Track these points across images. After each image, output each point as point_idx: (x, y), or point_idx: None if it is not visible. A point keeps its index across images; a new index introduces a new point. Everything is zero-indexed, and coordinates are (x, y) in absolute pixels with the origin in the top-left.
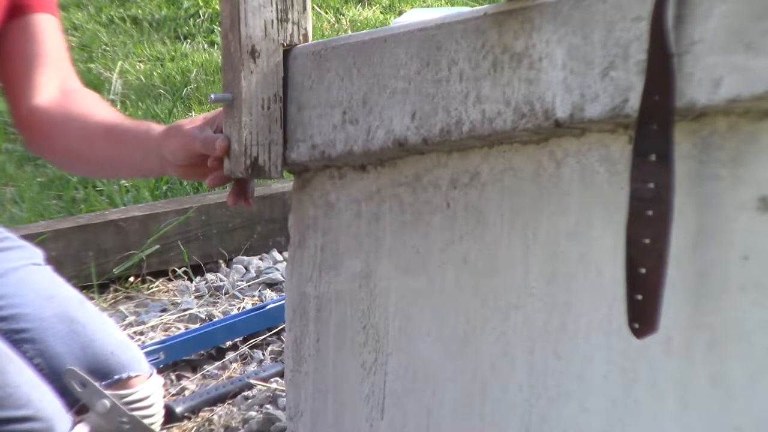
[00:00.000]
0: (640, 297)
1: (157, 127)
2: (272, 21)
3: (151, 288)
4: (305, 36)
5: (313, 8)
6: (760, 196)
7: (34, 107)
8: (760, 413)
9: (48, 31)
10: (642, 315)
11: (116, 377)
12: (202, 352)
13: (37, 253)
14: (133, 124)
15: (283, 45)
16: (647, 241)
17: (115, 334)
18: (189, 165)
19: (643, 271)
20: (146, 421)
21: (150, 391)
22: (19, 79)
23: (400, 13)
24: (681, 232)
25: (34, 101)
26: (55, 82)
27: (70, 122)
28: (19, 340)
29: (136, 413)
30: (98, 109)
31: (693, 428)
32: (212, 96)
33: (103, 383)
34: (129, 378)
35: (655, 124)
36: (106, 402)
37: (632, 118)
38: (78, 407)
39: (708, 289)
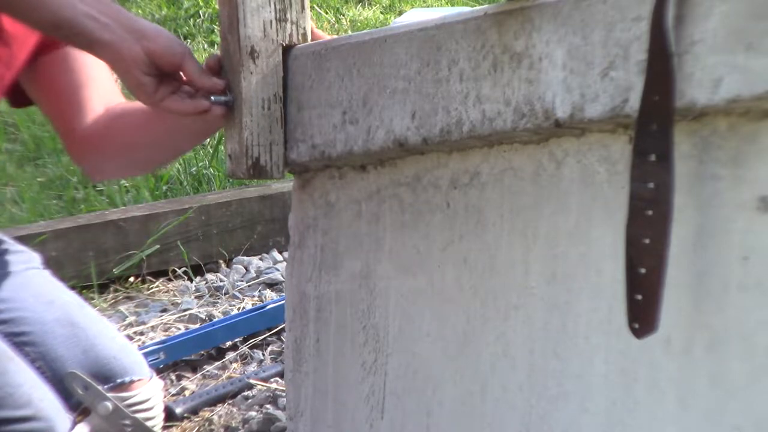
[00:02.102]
0: (640, 297)
1: None
2: (271, 21)
3: (151, 288)
4: (304, 36)
5: (313, 8)
6: (760, 196)
7: (87, 126)
8: (760, 413)
9: (89, 59)
10: (642, 315)
11: (119, 381)
12: (202, 352)
13: (35, 258)
14: None
15: (283, 45)
16: (647, 241)
17: (117, 339)
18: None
19: (643, 271)
20: (147, 424)
21: (150, 394)
22: (68, 108)
23: (400, 13)
24: (681, 232)
25: (85, 122)
26: (103, 101)
27: (123, 117)
28: (20, 343)
29: (137, 416)
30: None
31: (693, 428)
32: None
33: (105, 387)
34: (131, 382)
35: (655, 124)
36: (109, 404)
37: (632, 118)
38: (80, 410)
39: (708, 289)
